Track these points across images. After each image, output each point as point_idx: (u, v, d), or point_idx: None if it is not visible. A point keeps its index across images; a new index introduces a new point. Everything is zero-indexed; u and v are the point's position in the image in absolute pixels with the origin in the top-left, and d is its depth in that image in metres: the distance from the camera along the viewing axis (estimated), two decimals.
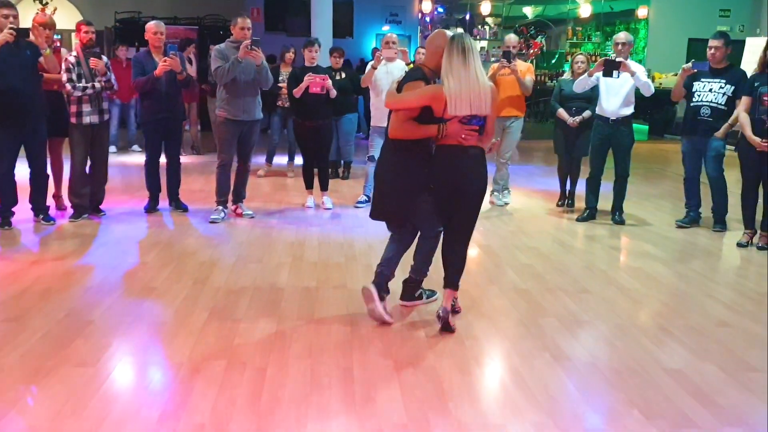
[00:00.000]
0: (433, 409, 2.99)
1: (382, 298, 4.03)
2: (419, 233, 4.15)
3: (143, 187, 6.82)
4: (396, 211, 4.02)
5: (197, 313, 4.07)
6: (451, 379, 3.30)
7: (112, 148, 9.70)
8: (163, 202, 6.79)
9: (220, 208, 6.43)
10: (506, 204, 7.51)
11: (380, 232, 6.19)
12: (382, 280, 4.12)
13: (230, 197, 6.57)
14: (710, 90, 6.16)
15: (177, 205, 6.75)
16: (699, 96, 6.21)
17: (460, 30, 3.67)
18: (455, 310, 4.12)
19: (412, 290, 4.31)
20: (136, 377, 3.33)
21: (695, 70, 6.19)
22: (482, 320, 4.10)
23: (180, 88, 6.47)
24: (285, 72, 8.12)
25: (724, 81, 6.09)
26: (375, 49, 7.92)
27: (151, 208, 6.68)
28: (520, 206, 7.50)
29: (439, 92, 3.72)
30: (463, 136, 3.75)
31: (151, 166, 6.61)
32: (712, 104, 6.13)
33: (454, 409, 3.01)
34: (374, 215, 4.14)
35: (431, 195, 3.94)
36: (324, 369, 3.36)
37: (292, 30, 15.47)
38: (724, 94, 6.07)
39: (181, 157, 6.85)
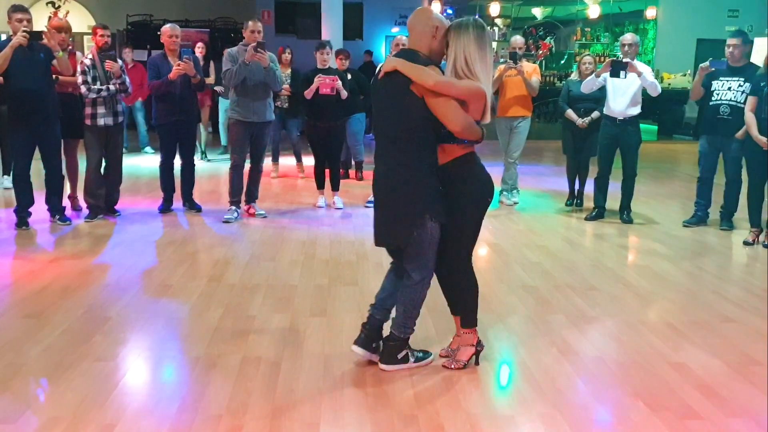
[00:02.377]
0: (443, 402, 3.08)
1: (373, 351, 3.41)
2: (406, 274, 3.36)
3: (157, 188, 6.94)
4: (407, 234, 3.24)
5: (213, 309, 4.18)
6: (460, 373, 3.38)
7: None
8: (177, 202, 6.91)
9: (233, 208, 6.53)
10: (515, 203, 7.58)
11: None
12: (373, 325, 3.44)
13: (243, 197, 6.67)
14: (729, 88, 6.19)
15: (191, 205, 6.87)
16: (718, 95, 6.25)
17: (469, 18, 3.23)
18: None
19: (394, 350, 3.39)
20: (153, 371, 3.42)
21: (713, 69, 6.23)
22: (491, 316, 4.17)
23: (194, 91, 6.59)
24: (284, 73, 8.22)
25: (743, 79, 6.12)
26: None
27: (166, 208, 6.79)
28: (529, 205, 7.57)
29: (484, 92, 3.18)
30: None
31: (166, 168, 6.73)
32: (731, 102, 6.17)
33: (463, 401, 3.09)
34: (380, 240, 3.45)
35: (443, 221, 3.25)
36: (336, 363, 3.45)
37: (302, 32, 15.58)
38: (743, 92, 6.09)
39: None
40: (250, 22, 6.32)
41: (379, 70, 3.29)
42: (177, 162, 6.74)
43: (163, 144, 6.69)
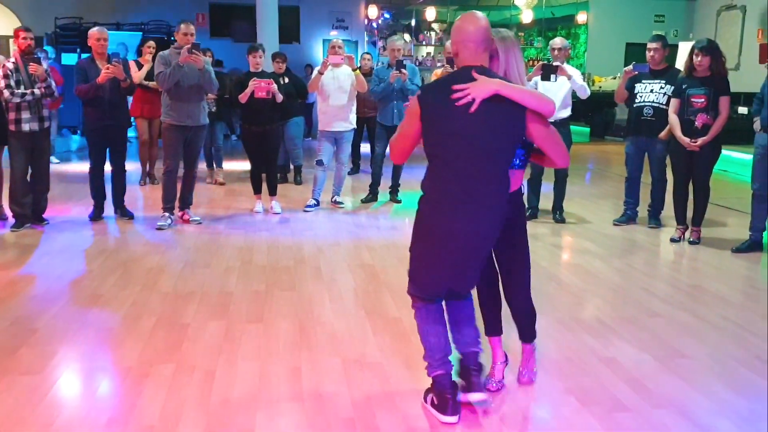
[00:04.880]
0: (380, 404, 3.08)
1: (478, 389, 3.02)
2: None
3: (87, 196, 6.75)
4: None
5: (145, 318, 4.08)
6: (397, 375, 3.39)
7: (54, 158, 9.49)
8: (108, 210, 6.73)
9: (167, 214, 6.41)
10: None
11: (329, 235, 6.31)
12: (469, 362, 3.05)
13: (177, 204, 6.55)
14: (651, 91, 6.40)
15: (122, 212, 6.71)
16: (641, 97, 6.46)
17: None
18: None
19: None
20: (83, 383, 3.33)
21: (636, 72, 6.43)
22: None
23: (124, 95, 6.44)
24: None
25: (664, 81, 6.34)
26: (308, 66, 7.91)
27: (96, 216, 6.61)
28: None
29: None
30: None
31: (96, 174, 6.55)
32: (654, 104, 6.38)
33: (400, 402, 3.10)
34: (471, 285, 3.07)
35: None
36: (273, 369, 3.42)
37: (237, 36, 15.41)
38: (664, 94, 6.30)
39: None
40: (182, 25, 6.23)
41: (441, 85, 2.92)
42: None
43: (92, 150, 6.52)
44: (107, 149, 6.50)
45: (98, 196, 6.62)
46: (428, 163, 2.88)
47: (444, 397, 2.91)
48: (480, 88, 2.69)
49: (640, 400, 3.15)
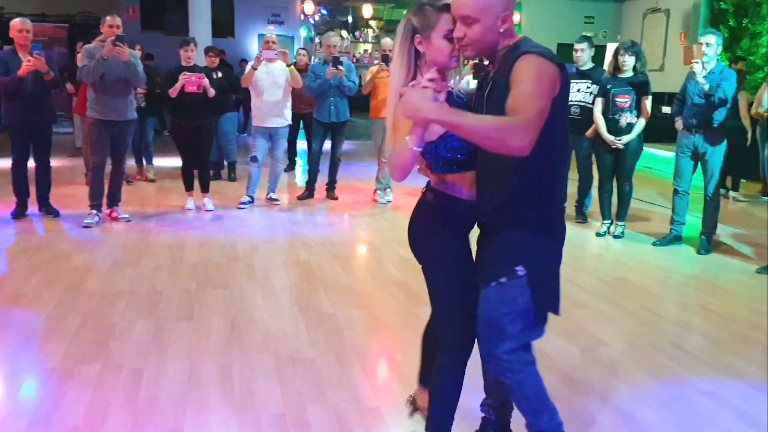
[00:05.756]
0: (312, 398, 3.09)
1: None
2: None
3: (10, 192, 6.50)
4: None
5: (70, 318, 3.97)
6: (329, 370, 3.41)
7: None
8: (33, 207, 6.51)
9: (94, 212, 6.24)
10: (389, 202, 7.72)
11: (264, 233, 6.26)
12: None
13: (104, 201, 6.39)
14: (578, 90, 6.59)
15: (47, 210, 6.49)
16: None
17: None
18: None
19: None
20: (3, 385, 3.22)
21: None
22: (363, 313, 4.24)
23: (49, 88, 6.24)
24: None
25: (590, 81, 6.53)
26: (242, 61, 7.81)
27: (19, 213, 6.38)
28: (402, 203, 7.72)
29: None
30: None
31: (18, 170, 6.32)
32: (581, 103, 6.56)
33: (331, 396, 3.12)
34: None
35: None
36: (203, 367, 3.39)
37: (169, 29, 15.10)
38: (591, 93, 6.48)
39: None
40: (108, 17, 6.08)
41: None
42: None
43: (14, 145, 6.28)
44: (30, 145, 6.28)
45: (21, 193, 6.39)
46: (545, 165, 2.21)
47: None
48: None
49: (565, 389, 3.25)
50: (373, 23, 18.84)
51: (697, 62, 5.52)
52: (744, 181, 8.89)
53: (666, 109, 10.74)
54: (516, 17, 17.35)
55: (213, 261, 5.29)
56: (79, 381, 3.18)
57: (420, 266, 2.45)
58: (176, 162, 8.26)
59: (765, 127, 8.13)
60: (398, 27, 2.37)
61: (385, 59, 7.28)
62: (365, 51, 18.71)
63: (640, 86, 5.98)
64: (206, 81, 6.71)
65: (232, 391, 3.14)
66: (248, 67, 7.17)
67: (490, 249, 2.31)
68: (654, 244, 6.07)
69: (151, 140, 8.86)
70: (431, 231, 2.40)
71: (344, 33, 17.76)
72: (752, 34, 11.54)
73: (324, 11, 18.46)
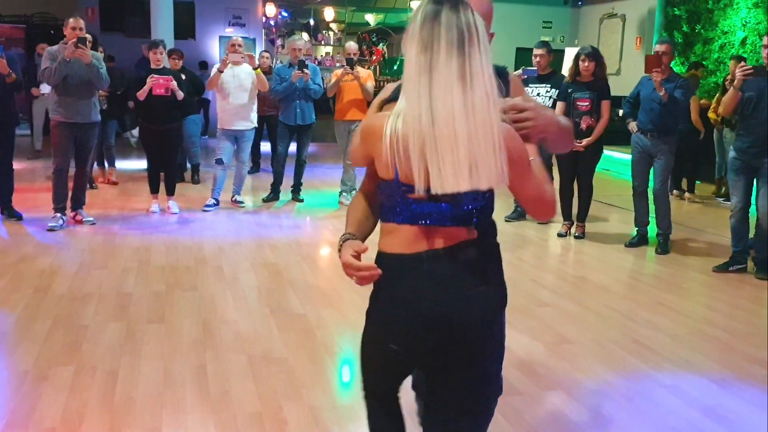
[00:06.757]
0: (287, 397, 3.15)
1: None
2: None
3: None
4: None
5: (40, 320, 3.96)
6: (303, 369, 3.47)
7: None
8: None
9: (59, 215, 6.17)
10: None
11: (230, 235, 6.28)
12: None
13: (68, 204, 6.33)
14: (538, 94, 6.75)
15: (10, 213, 6.40)
16: None
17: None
18: None
19: None
20: None
21: (525, 77, 6.76)
22: (333, 313, 4.31)
23: (11, 90, 6.16)
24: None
25: (549, 86, 6.70)
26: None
27: None
28: None
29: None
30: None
31: None
32: None
33: (306, 395, 3.18)
34: None
35: None
36: (177, 368, 3.42)
37: (129, 30, 14.89)
38: (550, 97, 6.66)
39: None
40: (71, 19, 6.01)
41: None
42: None
43: None
44: None
45: None
46: None
47: None
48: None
49: (531, 384, 3.37)
50: (334, 26, 18.88)
51: (657, 71, 5.70)
52: (698, 183, 9.19)
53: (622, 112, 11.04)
54: None
55: (181, 263, 5.30)
56: (53, 383, 3.18)
57: None
58: (137, 164, 8.23)
59: (721, 131, 8.43)
60: None
61: (349, 62, 7.36)
62: (327, 54, 18.73)
63: (600, 90, 6.17)
64: (174, 84, 6.69)
65: (207, 391, 3.18)
66: (214, 70, 7.18)
67: None
68: (626, 245, 6.20)
69: (113, 143, 8.77)
70: None
71: (305, 35, 17.77)
72: (705, 39, 11.90)
73: (285, 13, 18.44)
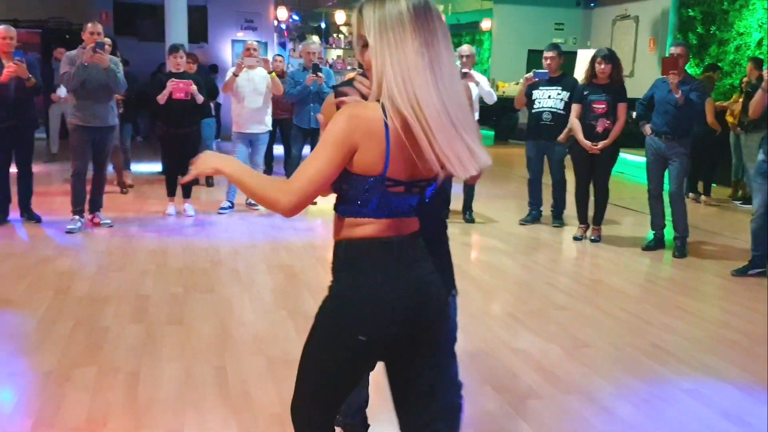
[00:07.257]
0: None
1: None
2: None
3: None
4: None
5: (62, 322, 4.00)
6: None
7: None
8: (14, 213, 6.49)
9: (77, 217, 6.24)
10: None
11: (246, 237, 6.31)
12: None
13: (86, 206, 6.39)
14: (549, 97, 6.76)
15: (29, 215, 6.47)
16: (540, 103, 6.81)
17: None
18: None
19: None
20: (2, 389, 3.24)
21: (537, 79, 6.78)
22: None
23: (31, 94, 6.23)
24: None
25: (560, 88, 6.71)
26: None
27: (1, 219, 6.35)
28: None
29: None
30: None
31: (0, 176, 6.29)
32: (552, 110, 6.73)
33: None
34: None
35: None
36: (197, 369, 3.45)
37: (143, 34, 15.01)
38: (561, 99, 6.67)
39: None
40: (89, 24, 6.09)
41: None
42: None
43: None
44: (12, 150, 6.27)
45: (2, 199, 6.36)
46: None
47: None
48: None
49: (550, 387, 3.38)
50: (344, 29, 18.93)
51: (674, 73, 5.69)
52: (714, 185, 9.16)
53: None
54: (487, 23, 17.64)
55: (197, 266, 5.34)
56: (76, 384, 3.22)
57: None
58: (152, 168, 8.28)
59: (738, 135, 8.39)
60: None
61: (362, 65, 7.37)
62: (338, 57, 18.78)
63: (616, 93, 6.17)
64: (194, 88, 6.73)
65: (228, 392, 3.21)
66: (229, 74, 7.22)
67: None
68: (642, 248, 6.19)
69: (129, 146, 8.84)
70: None
71: (316, 38, 17.82)
72: (720, 41, 11.85)
73: (296, 17, 18.50)
